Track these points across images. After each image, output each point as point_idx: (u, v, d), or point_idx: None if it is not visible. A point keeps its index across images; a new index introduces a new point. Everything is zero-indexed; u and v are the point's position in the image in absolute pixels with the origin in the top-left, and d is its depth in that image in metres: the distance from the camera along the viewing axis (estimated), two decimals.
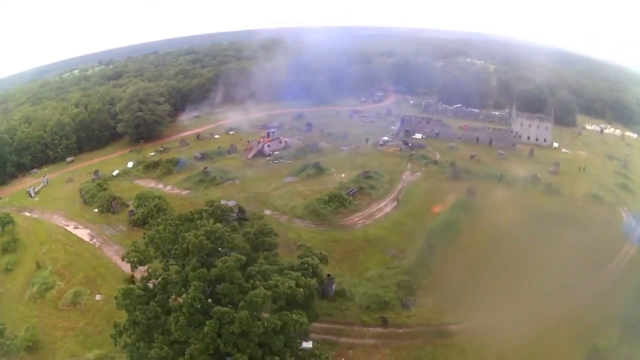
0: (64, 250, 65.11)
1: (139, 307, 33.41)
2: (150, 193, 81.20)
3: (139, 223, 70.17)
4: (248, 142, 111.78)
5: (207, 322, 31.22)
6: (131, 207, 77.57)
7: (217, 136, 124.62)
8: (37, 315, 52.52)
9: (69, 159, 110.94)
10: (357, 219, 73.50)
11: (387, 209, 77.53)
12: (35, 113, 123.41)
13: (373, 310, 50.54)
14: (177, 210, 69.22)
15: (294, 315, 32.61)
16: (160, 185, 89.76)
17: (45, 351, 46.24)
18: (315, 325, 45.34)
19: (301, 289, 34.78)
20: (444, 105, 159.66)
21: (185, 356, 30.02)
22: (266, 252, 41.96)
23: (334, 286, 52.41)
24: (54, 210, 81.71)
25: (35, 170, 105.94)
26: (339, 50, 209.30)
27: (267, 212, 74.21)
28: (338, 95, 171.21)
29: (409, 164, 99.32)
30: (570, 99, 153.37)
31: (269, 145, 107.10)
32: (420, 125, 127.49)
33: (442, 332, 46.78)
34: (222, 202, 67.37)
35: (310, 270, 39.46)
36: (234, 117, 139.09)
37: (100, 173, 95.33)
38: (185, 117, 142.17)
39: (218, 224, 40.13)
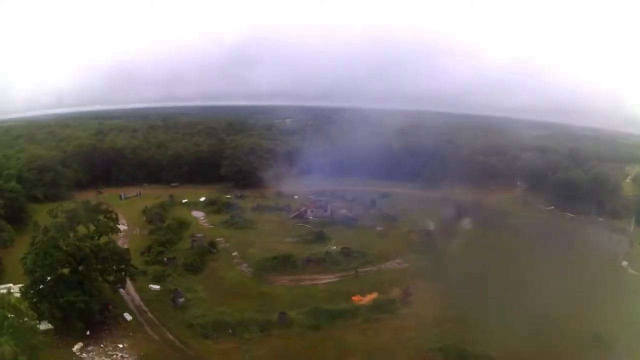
0: None
1: None
2: (183, 218, 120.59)
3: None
4: (307, 204, 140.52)
5: None
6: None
7: (296, 197, 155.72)
8: None
9: (174, 184, 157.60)
10: None
11: None
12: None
13: None
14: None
15: None
16: (202, 217, 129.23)
17: None
18: None
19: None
20: None
21: None
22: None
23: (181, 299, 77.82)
24: (123, 212, 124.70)
25: (146, 184, 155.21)
26: None
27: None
28: None
29: None
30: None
31: (312, 211, 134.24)
32: None
33: None
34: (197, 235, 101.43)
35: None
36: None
37: (174, 198, 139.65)
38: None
39: None
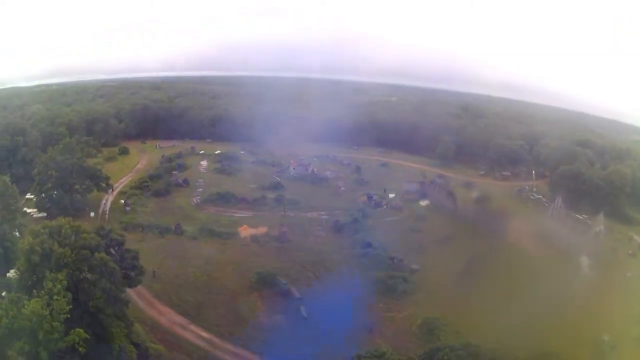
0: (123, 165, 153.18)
1: None
2: (186, 162, 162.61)
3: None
4: (292, 162, 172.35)
5: None
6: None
7: (301, 158, 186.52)
8: None
9: (208, 140, 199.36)
10: None
11: None
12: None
13: None
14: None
15: None
16: (204, 164, 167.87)
17: None
18: None
19: None
20: None
21: None
22: None
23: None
24: (152, 157, 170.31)
25: (187, 139, 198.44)
26: None
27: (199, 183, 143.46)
28: None
29: None
30: None
31: (294, 168, 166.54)
32: None
33: None
34: (174, 173, 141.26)
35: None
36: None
37: (195, 149, 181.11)
38: None
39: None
